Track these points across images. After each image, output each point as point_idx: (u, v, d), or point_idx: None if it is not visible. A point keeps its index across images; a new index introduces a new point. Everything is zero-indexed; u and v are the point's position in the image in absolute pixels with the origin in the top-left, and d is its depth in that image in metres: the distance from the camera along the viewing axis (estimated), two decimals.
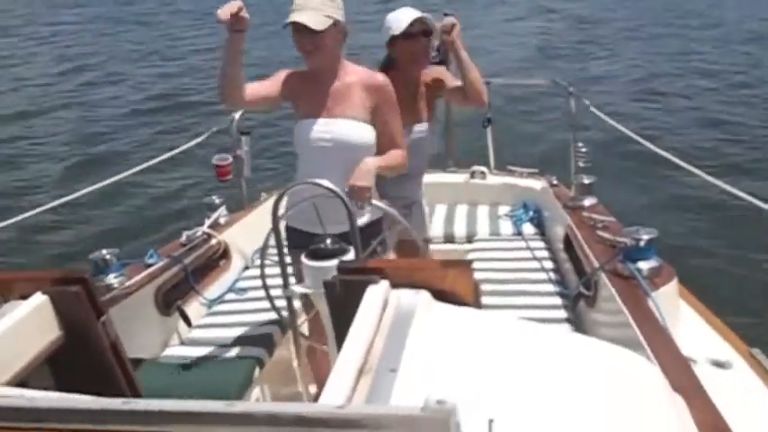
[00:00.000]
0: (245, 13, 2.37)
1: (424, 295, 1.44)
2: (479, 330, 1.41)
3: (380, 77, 2.72)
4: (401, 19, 2.99)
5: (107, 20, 28.08)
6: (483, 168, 4.79)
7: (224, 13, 2.32)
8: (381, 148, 2.71)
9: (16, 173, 10.18)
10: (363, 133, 2.66)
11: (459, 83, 3.17)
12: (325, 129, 2.64)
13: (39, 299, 1.80)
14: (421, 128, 3.22)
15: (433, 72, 3.27)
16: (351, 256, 2.26)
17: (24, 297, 1.81)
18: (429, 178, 4.75)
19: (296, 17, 2.46)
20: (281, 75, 2.77)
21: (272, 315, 2.87)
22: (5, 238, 6.58)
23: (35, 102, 15.64)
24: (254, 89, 2.66)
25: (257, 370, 2.98)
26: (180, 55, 21.78)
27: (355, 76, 2.70)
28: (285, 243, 2.69)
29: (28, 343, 1.74)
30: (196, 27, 25.25)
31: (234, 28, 2.40)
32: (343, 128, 2.63)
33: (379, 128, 2.69)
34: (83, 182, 8.51)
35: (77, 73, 19.35)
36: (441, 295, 1.48)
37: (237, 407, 0.87)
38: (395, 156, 2.72)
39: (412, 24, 2.97)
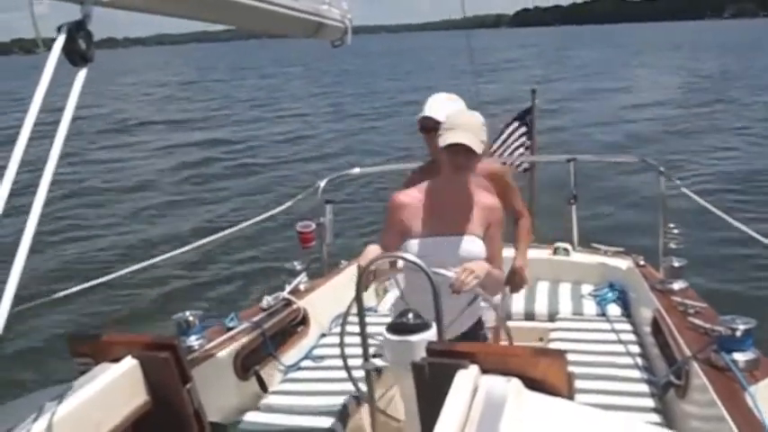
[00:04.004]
0: None
1: (516, 383, 1.39)
2: (573, 424, 1.34)
3: (495, 200, 2.77)
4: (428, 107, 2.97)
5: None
6: (566, 245, 4.68)
7: None
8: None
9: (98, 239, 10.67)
10: (481, 249, 2.68)
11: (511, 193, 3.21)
12: (449, 244, 2.66)
13: (129, 363, 1.83)
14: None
15: (492, 166, 3.22)
16: (433, 332, 2.22)
17: (115, 360, 1.84)
18: (510, 253, 4.68)
19: (461, 139, 2.54)
20: (396, 212, 2.76)
21: (349, 385, 2.83)
22: (93, 298, 6.86)
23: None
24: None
25: None
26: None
27: (475, 193, 2.74)
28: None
29: (116, 407, 1.77)
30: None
31: None
32: (467, 244, 2.67)
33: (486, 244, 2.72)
34: (171, 242, 8.88)
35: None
36: (532, 384, 1.42)
37: None
38: (498, 271, 2.71)
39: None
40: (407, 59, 68.40)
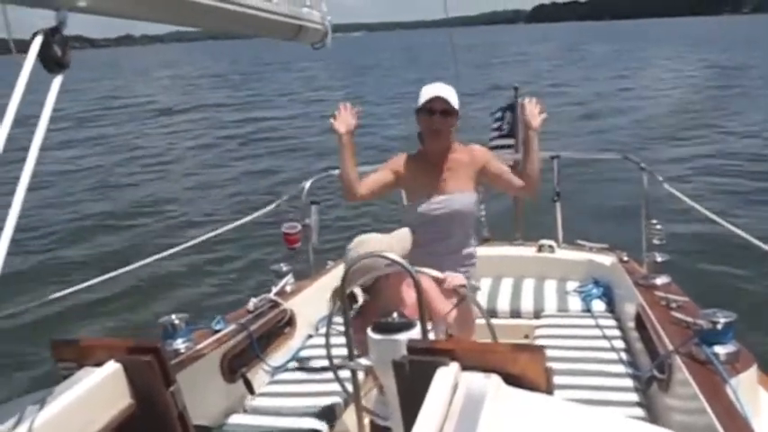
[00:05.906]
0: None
1: (495, 379, 1.41)
2: (551, 419, 1.35)
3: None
4: (423, 93, 3.12)
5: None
6: (551, 242, 4.71)
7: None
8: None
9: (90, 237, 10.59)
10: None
11: (504, 170, 3.23)
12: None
13: (112, 367, 1.83)
14: (439, 199, 3.15)
15: (475, 150, 3.27)
16: (417, 330, 2.23)
17: (98, 364, 1.84)
18: (496, 251, 4.68)
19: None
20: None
21: (336, 386, 2.83)
22: (79, 302, 6.81)
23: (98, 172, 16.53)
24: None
25: None
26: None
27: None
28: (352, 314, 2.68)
29: (100, 411, 1.77)
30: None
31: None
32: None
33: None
34: (158, 244, 8.84)
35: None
36: (511, 379, 1.43)
37: None
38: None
39: (430, 100, 3.06)
40: (424, 53, 69.68)
